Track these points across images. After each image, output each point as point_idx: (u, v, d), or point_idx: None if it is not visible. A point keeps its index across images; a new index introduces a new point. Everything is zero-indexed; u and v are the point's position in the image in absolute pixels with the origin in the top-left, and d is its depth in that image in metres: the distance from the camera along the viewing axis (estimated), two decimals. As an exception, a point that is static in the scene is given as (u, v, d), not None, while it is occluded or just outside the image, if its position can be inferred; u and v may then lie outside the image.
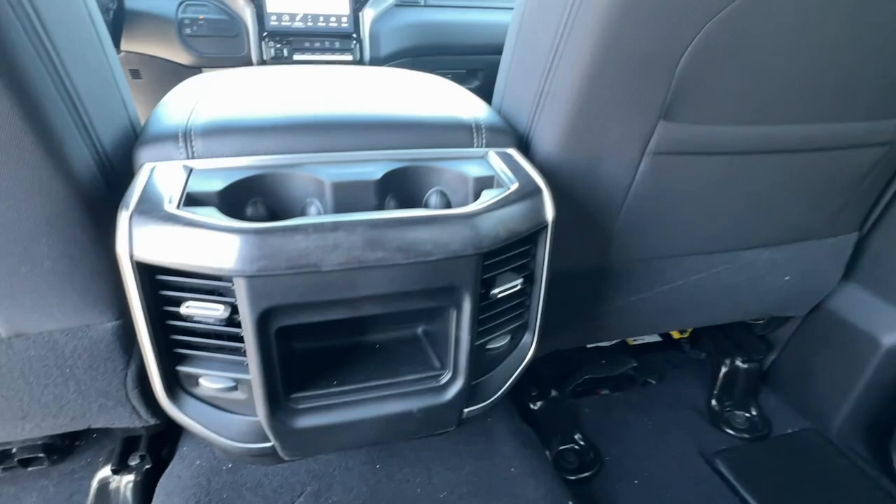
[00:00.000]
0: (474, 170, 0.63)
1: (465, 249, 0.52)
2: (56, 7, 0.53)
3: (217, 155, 0.59)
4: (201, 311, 0.51)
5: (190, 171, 0.57)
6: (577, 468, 1.09)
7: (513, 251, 0.59)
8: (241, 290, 0.49)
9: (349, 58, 1.48)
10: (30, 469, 0.98)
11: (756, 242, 0.94)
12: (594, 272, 0.87)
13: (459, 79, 1.75)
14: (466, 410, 0.66)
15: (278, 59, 1.43)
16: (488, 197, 0.57)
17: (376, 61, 1.53)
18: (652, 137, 0.70)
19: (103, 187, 0.59)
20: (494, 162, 0.65)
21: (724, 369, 1.28)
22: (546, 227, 0.61)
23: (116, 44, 1.39)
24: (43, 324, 0.62)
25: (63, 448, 1.01)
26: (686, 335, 1.44)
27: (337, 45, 1.47)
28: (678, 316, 1.05)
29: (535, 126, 0.72)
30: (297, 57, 1.44)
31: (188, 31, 1.39)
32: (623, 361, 1.30)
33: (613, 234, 0.81)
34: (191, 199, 0.53)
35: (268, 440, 0.59)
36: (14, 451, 0.97)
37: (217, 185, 0.55)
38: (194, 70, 1.48)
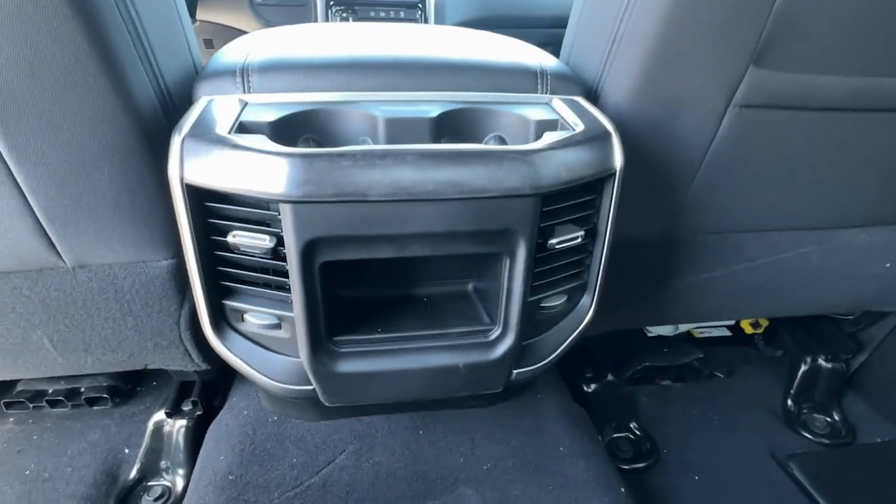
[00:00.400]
0: (536, 113, 0.59)
1: (523, 188, 0.48)
2: None
3: (272, 90, 0.59)
4: (248, 240, 0.50)
5: (245, 103, 0.56)
6: (632, 458, 1.02)
7: (575, 199, 0.55)
8: (286, 218, 0.47)
9: (413, 28, 1.46)
10: (95, 408, 1.03)
11: (854, 221, 0.83)
12: (661, 242, 0.80)
13: (525, 53, 1.69)
14: (515, 372, 0.62)
15: (343, 28, 1.43)
16: (551, 137, 0.53)
17: (441, 32, 1.50)
18: (740, 87, 0.62)
19: (163, 120, 0.59)
20: (559, 107, 0.60)
21: (803, 367, 1.16)
22: (614, 174, 0.55)
23: (192, 12, 1.43)
24: (104, 256, 0.64)
25: (125, 391, 1.06)
26: (761, 331, 1.32)
27: (402, 14, 1.45)
28: (755, 301, 0.95)
29: (606, 75, 0.66)
30: (361, 26, 1.44)
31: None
32: (687, 351, 1.20)
33: (686, 199, 0.74)
34: (243, 128, 0.52)
35: (309, 383, 0.58)
36: (83, 389, 1.02)
37: (270, 116, 0.54)
38: (263, 39, 1.51)
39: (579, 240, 0.56)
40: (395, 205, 0.47)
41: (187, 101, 0.62)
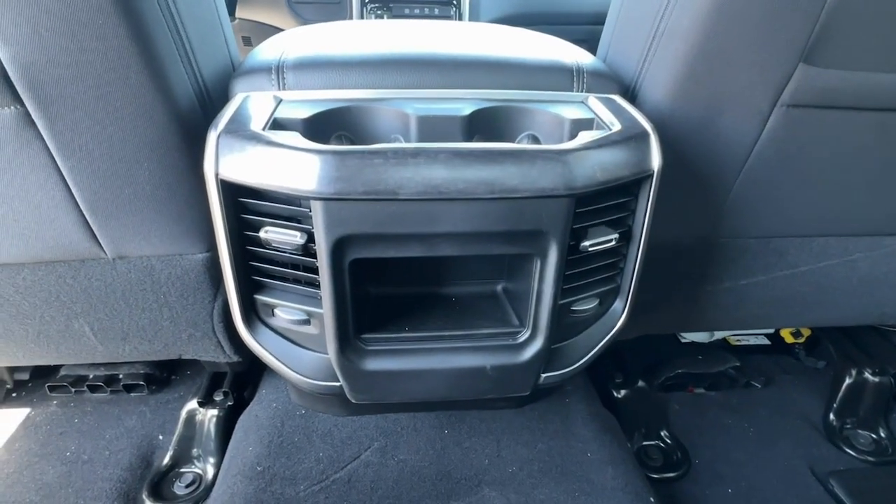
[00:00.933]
0: (571, 112, 0.57)
1: (556, 188, 0.47)
2: None
3: (307, 87, 0.59)
4: (279, 236, 0.50)
5: (279, 100, 0.57)
6: (662, 467, 0.99)
7: (610, 200, 0.53)
8: (317, 214, 0.47)
9: (447, 25, 1.46)
10: (132, 394, 1.07)
11: None
12: (698, 246, 0.77)
13: (560, 50, 1.66)
14: (544, 376, 0.61)
15: (378, 26, 1.44)
16: (586, 137, 0.51)
17: (475, 29, 1.49)
18: (788, 85, 0.59)
19: (200, 116, 0.60)
20: (595, 106, 0.59)
21: (847, 380, 1.10)
22: (651, 176, 0.54)
23: (232, 11, 1.46)
24: (142, 248, 0.65)
25: (161, 379, 1.09)
26: (802, 340, 1.27)
27: (437, 11, 1.44)
28: (797, 310, 0.91)
29: (645, 72, 0.64)
30: (396, 23, 1.44)
31: (296, -3, 1.43)
32: (723, 358, 1.16)
33: (727, 202, 0.71)
34: (277, 124, 0.53)
35: (336, 379, 0.58)
36: (121, 376, 1.06)
37: (303, 113, 0.54)
38: (299, 37, 1.53)
39: (613, 243, 0.54)
40: (426, 203, 0.46)
41: (224, 97, 0.63)
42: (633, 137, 0.53)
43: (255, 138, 0.48)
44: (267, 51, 0.64)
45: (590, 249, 0.53)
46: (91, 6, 0.47)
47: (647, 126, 0.55)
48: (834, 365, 1.16)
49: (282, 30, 1.48)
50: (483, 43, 0.67)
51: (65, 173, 0.56)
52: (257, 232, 0.52)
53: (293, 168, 0.46)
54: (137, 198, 0.61)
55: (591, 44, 1.84)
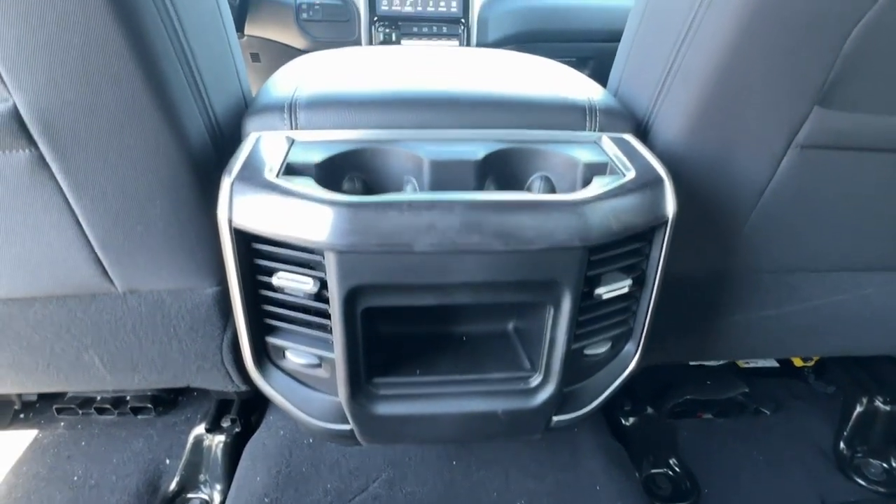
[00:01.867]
0: (585, 155, 0.57)
1: (571, 241, 0.46)
2: None
3: (319, 127, 0.59)
4: (292, 283, 0.50)
5: (292, 141, 0.57)
6: (670, 496, 0.99)
7: (624, 248, 0.53)
8: (330, 264, 0.47)
9: (455, 43, 1.46)
10: (139, 417, 1.07)
11: None
12: (710, 280, 0.77)
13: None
14: (555, 419, 0.61)
15: (387, 44, 1.44)
16: (600, 184, 0.51)
17: (483, 46, 1.49)
18: (802, 127, 0.59)
19: (213, 154, 0.60)
20: (608, 147, 0.58)
21: (858, 408, 1.09)
22: (665, 223, 0.53)
23: (241, 28, 1.47)
24: (153, 283, 0.65)
25: (168, 401, 1.09)
26: (811, 363, 1.26)
27: (445, 29, 1.45)
28: (808, 341, 0.90)
29: (658, 110, 0.64)
30: (404, 42, 1.44)
31: (304, 15, 1.44)
32: (732, 384, 1.16)
33: (740, 238, 0.70)
34: (290, 169, 0.52)
35: (346, 422, 0.58)
36: (128, 398, 1.06)
37: (316, 156, 0.54)
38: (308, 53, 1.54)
39: (626, 289, 0.54)
40: (440, 256, 0.46)
41: (236, 132, 0.63)
42: (647, 184, 0.52)
43: (269, 187, 0.48)
44: (279, 86, 0.64)
45: (604, 297, 0.53)
46: (108, 53, 0.47)
47: (662, 171, 0.54)
48: (844, 391, 1.15)
49: (290, 47, 1.49)
50: (495, 77, 0.66)
51: (77, 212, 0.56)
52: (270, 277, 0.52)
53: (307, 219, 0.46)
54: (149, 235, 0.61)
55: (599, 60, 1.84)
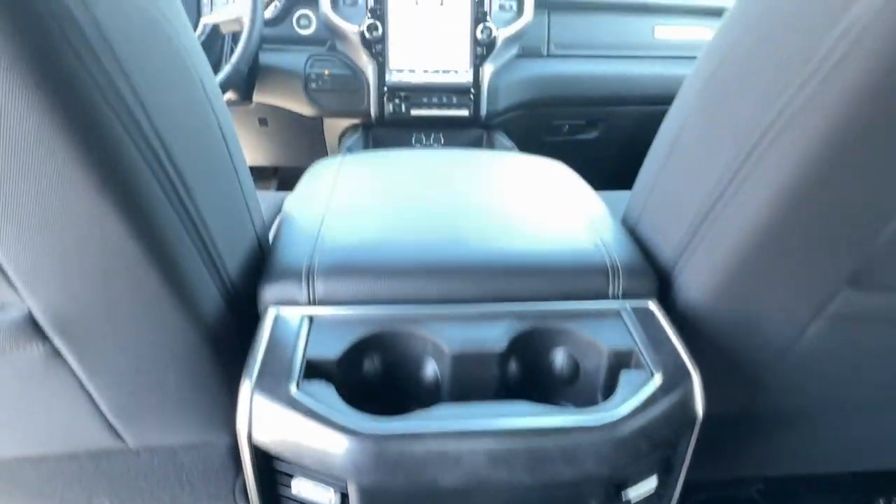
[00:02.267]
0: (609, 336, 0.56)
1: (601, 471, 0.45)
2: (185, 136, 0.51)
3: (337, 300, 0.59)
4: (312, 495, 0.49)
5: (311, 323, 0.56)
6: None
7: (651, 451, 0.52)
8: (352, 488, 0.46)
9: (465, 112, 1.45)
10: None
11: None
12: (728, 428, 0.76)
13: (577, 129, 1.65)
14: None
15: (396, 115, 1.44)
16: (628, 392, 0.50)
17: (493, 115, 1.49)
18: (830, 304, 0.58)
19: (229, 318, 0.59)
20: (633, 327, 0.57)
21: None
22: (694, 422, 0.52)
23: (249, 96, 1.46)
24: (166, 439, 0.65)
25: None
26: None
27: (454, 100, 1.44)
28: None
29: (682, 266, 0.62)
30: (413, 112, 1.44)
31: (314, 85, 1.43)
32: None
33: (757, 399, 0.69)
34: (311, 368, 0.52)
35: None
36: None
37: (336, 348, 0.53)
38: (316, 120, 1.53)
39: (654, 489, 0.53)
40: (466, 488, 0.45)
41: (252, 288, 0.62)
42: (675, 385, 0.51)
43: (290, 403, 0.47)
44: (296, 245, 0.64)
45: (632, 500, 0.52)
46: (127, 260, 0.46)
47: (690, 366, 0.53)
48: None
49: (298, 114, 1.48)
50: (512, 225, 0.67)
51: (90, 391, 0.55)
52: (289, 485, 0.51)
53: (329, 448, 0.45)
54: (163, 402, 0.60)
55: (608, 122, 1.82)
